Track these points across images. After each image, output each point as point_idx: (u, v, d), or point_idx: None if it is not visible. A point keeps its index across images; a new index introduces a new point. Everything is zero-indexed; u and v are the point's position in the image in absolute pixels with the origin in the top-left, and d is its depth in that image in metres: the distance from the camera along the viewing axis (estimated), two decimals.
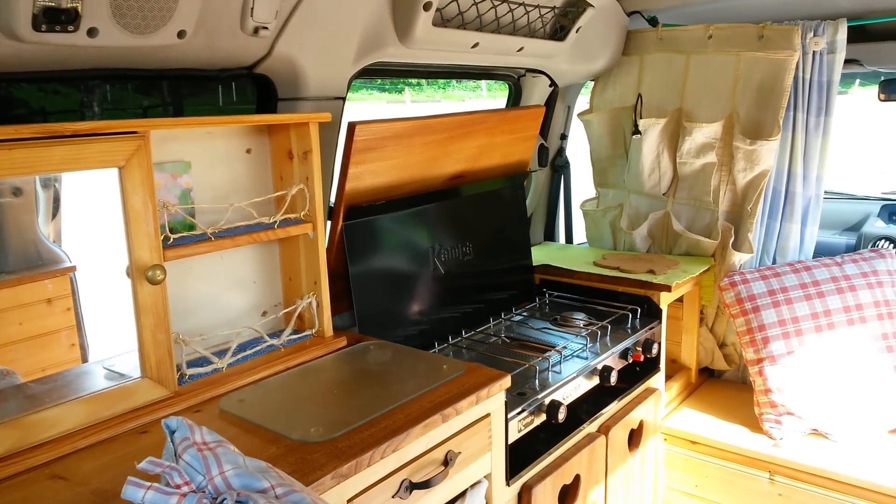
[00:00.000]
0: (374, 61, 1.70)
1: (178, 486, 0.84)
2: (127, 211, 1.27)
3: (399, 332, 1.86)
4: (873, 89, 2.91)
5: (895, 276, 2.20)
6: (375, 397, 1.38)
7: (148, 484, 0.82)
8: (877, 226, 2.98)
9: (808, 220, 2.29)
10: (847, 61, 2.21)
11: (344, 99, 1.71)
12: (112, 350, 1.36)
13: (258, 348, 1.57)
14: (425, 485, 1.33)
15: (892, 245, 2.87)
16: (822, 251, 2.54)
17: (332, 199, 1.74)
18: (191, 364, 1.45)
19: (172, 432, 0.91)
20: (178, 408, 1.35)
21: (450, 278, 2.01)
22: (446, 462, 1.38)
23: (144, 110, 1.60)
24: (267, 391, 1.43)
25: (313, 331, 1.67)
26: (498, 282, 2.18)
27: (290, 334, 1.63)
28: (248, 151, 1.60)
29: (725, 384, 2.48)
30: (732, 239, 2.26)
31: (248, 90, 1.65)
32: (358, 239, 1.76)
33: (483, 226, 2.13)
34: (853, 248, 2.99)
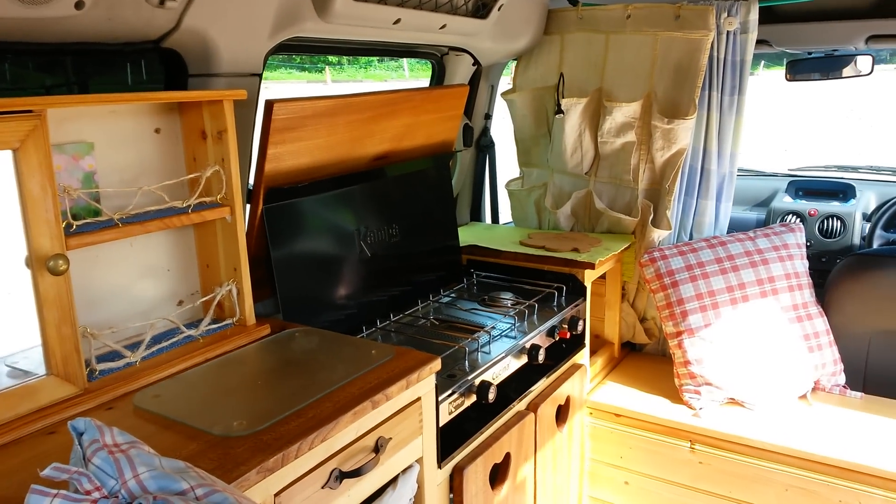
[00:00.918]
0: (292, 36, 1.63)
1: (87, 493, 0.78)
2: (24, 196, 1.17)
3: (325, 318, 1.81)
4: (777, 71, 3.03)
5: (803, 249, 2.31)
6: (302, 386, 1.34)
7: (54, 491, 0.76)
8: (785, 201, 3.13)
9: (722, 196, 2.37)
10: (757, 42, 2.29)
11: (260, 76, 1.63)
12: (15, 346, 1.26)
13: (174, 340, 1.49)
14: (356, 473, 1.30)
15: (799, 219, 3.02)
16: (734, 226, 2.65)
17: (251, 181, 1.66)
18: (101, 359, 1.36)
19: (80, 434, 0.85)
20: (87, 406, 1.26)
21: (376, 261, 1.97)
22: (377, 449, 1.36)
23: (47, 90, 1.48)
24: (185, 385, 1.36)
25: (234, 319, 1.60)
26: (425, 263, 2.16)
27: (210, 324, 1.56)
28: (158, 131, 1.50)
29: (646, 357, 2.55)
30: (651, 216, 2.32)
31: (159, 67, 1.55)
32: (279, 222, 1.69)
33: (409, 207, 2.09)
34: (763, 223, 3.13)
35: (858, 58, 2.89)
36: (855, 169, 3.48)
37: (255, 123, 1.67)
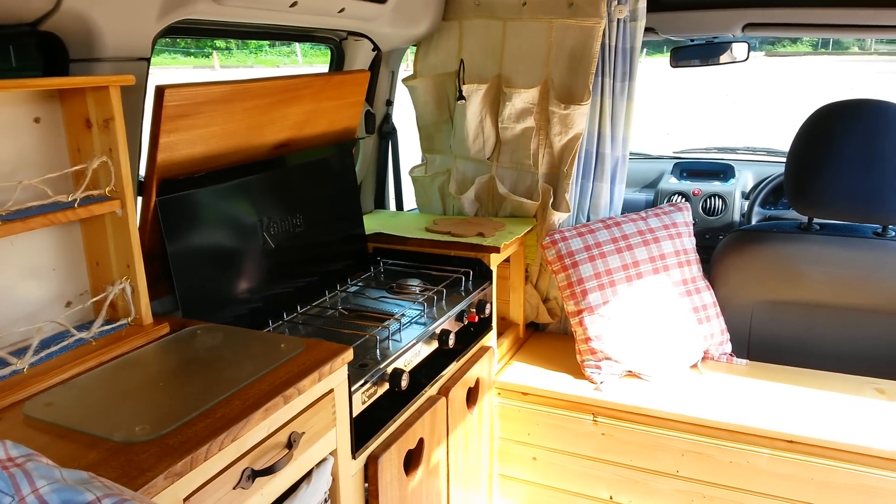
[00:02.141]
0: (183, 18, 1.54)
1: None
2: None
3: (228, 313, 1.75)
4: (657, 58, 3.17)
5: (691, 227, 2.44)
6: (208, 386, 1.29)
7: None
8: (670, 182, 3.29)
9: (616, 179, 2.47)
10: (645, 30, 2.39)
11: (149, 60, 1.54)
12: None
13: (65, 343, 1.39)
14: (269, 471, 1.27)
15: (684, 199, 3.19)
16: (626, 207, 2.76)
17: (142, 172, 1.57)
18: None
19: None
20: None
21: (281, 252, 1.92)
22: (290, 444, 1.33)
23: None
24: (80, 391, 1.28)
25: (129, 319, 1.51)
26: (331, 253, 2.12)
27: (102, 325, 1.47)
28: (37, 121, 1.39)
29: (550, 336, 2.63)
30: (552, 200, 2.39)
31: (36, 52, 1.43)
32: (175, 215, 1.62)
33: (313, 196, 2.05)
34: (652, 204, 3.28)
35: (734, 45, 3.07)
36: (733, 150, 3.71)
37: (145, 111, 1.58)
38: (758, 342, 2.44)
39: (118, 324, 1.50)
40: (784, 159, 3.46)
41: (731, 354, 2.39)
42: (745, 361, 2.35)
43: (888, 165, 2.07)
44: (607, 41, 2.27)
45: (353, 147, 2.33)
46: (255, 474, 1.24)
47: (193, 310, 1.65)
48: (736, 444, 2.01)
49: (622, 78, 2.33)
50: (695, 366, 2.33)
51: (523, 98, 2.33)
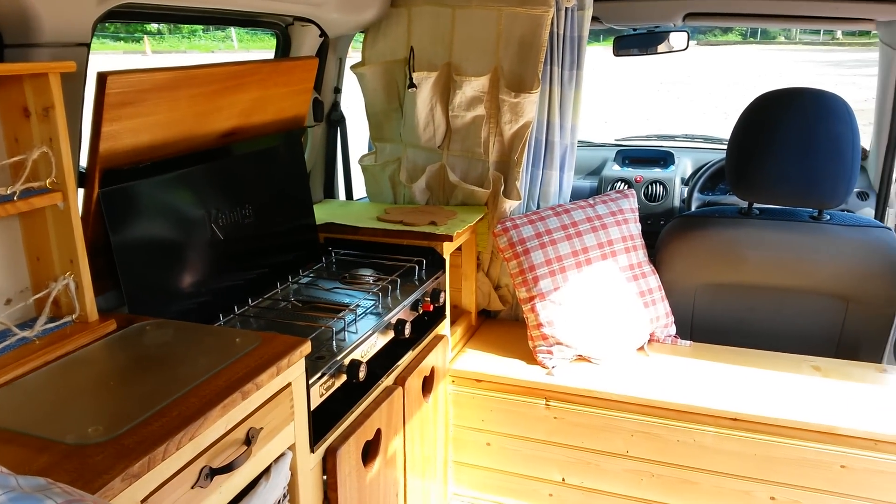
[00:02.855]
0: (124, 2, 1.48)
1: None
2: None
3: (177, 308, 1.69)
4: (595, 47, 3.22)
5: (636, 213, 2.50)
6: (162, 383, 1.25)
7: None
8: (613, 169, 3.35)
9: (565, 166, 2.50)
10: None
11: (88, 45, 1.47)
12: None
13: (6, 343, 1.33)
14: (227, 468, 1.24)
15: (627, 186, 3.26)
16: (572, 195, 2.80)
17: (84, 163, 1.51)
18: None
19: None
20: None
21: (230, 244, 1.87)
22: (248, 441, 1.30)
23: None
24: (25, 392, 1.22)
25: (74, 316, 1.45)
26: (282, 244, 2.08)
27: (46, 323, 1.41)
28: None
29: (502, 323, 2.66)
30: (503, 187, 2.40)
31: None
32: (120, 207, 1.55)
33: (262, 186, 2.00)
34: (596, 191, 3.34)
35: (672, 34, 3.14)
36: (672, 137, 3.80)
37: (85, 99, 1.51)
38: (701, 324, 2.52)
39: (62, 321, 1.44)
40: (720, 146, 3.58)
41: (675, 336, 2.47)
42: (689, 343, 2.43)
43: (823, 152, 2.16)
44: (555, 30, 2.29)
45: (302, 135, 2.29)
46: (213, 472, 1.21)
47: (140, 305, 1.60)
48: (683, 424, 2.07)
49: (570, 66, 2.35)
50: (641, 348, 2.39)
51: (473, 86, 2.33)
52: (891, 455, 1.89)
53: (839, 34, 25.19)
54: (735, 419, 2.02)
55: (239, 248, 1.91)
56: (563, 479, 2.26)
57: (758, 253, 2.34)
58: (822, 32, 26.56)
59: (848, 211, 2.82)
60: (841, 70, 17.20)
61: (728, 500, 2.07)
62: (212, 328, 1.52)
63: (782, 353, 2.34)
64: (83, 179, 1.52)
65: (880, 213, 2.92)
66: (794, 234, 2.31)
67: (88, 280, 1.45)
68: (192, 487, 1.18)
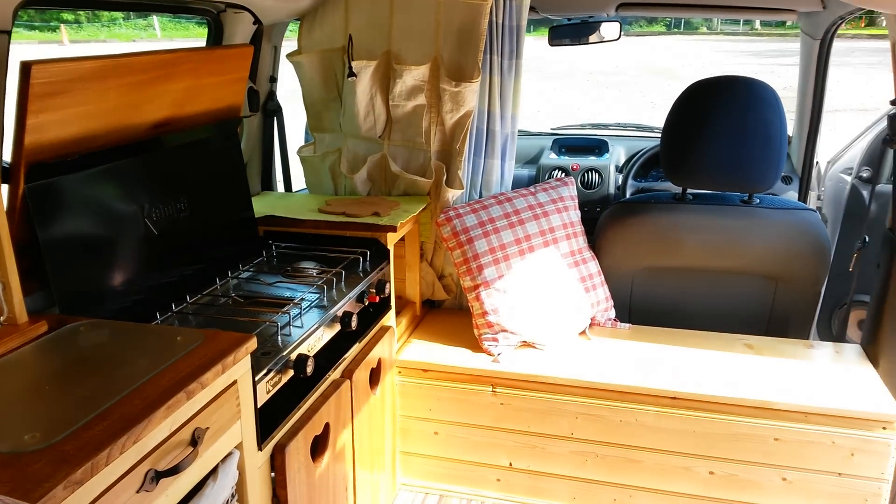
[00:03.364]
0: None
1: None
2: None
3: (111, 307, 1.63)
4: (529, 37, 3.25)
5: (576, 200, 2.54)
6: (102, 386, 1.19)
7: None
8: (551, 158, 3.40)
9: (506, 155, 2.52)
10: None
11: (9, 33, 1.39)
12: None
13: None
14: (173, 471, 1.20)
15: (564, 174, 3.31)
16: (512, 184, 2.83)
17: (8, 157, 1.42)
18: None
19: None
20: None
21: (165, 239, 1.81)
22: (194, 441, 1.27)
23: None
24: None
25: (2, 318, 1.38)
26: (220, 238, 2.03)
27: None
28: None
29: (446, 312, 2.66)
30: (445, 177, 2.40)
31: None
32: (47, 203, 1.48)
33: (197, 178, 1.94)
34: (534, 179, 3.38)
35: (603, 24, 3.20)
36: (606, 126, 3.88)
37: (7, 90, 1.43)
38: (639, 307, 2.59)
39: None
40: (652, 134, 3.68)
41: (615, 320, 2.53)
42: (628, 326, 2.50)
43: (754, 138, 2.25)
44: (495, 19, 2.29)
45: (238, 126, 2.22)
46: (158, 476, 1.17)
47: (72, 305, 1.53)
48: (625, 404, 2.13)
49: (510, 56, 2.37)
50: (583, 333, 2.44)
51: (413, 75, 2.31)
52: (820, 426, 1.99)
53: (758, 24, 26.26)
54: (674, 398, 2.08)
55: (175, 244, 1.84)
56: (511, 464, 2.29)
57: (692, 237, 2.41)
58: (741, 23, 27.61)
59: (773, 195, 2.95)
60: (761, 59, 17.93)
61: (670, 476, 2.14)
62: (150, 327, 1.47)
63: (717, 333, 2.43)
64: (7, 175, 1.43)
65: (803, 196, 3.07)
66: (726, 218, 2.39)
67: (16, 280, 1.38)
68: (138, 492, 1.14)
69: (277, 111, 2.57)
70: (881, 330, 2.13)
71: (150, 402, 1.16)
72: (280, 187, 2.76)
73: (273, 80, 2.52)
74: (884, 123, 2.79)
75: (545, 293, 2.36)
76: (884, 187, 2.79)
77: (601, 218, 2.59)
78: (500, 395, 2.24)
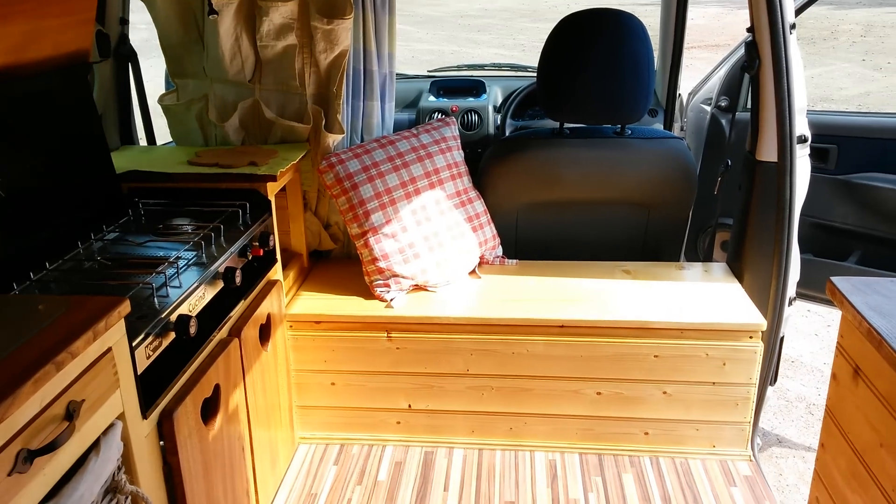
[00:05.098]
0: None
1: None
2: None
3: None
4: None
5: (458, 140, 2.53)
6: None
7: None
8: (430, 100, 3.36)
9: (385, 97, 2.45)
10: None
11: None
12: None
13: None
14: (48, 448, 1.10)
15: (444, 116, 3.29)
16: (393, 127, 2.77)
17: None
18: None
19: None
20: None
21: (15, 202, 1.62)
22: (70, 415, 1.17)
23: None
24: None
25: None
26: (78, 198, 1.85)
27: None
28: None
29: (335, 262, 2.61)
30: (324, 122, 2.30)
31: None
32: None
33: (45, 133, 1.75)
34: (415, 123, 3.34)
35: None
36: (482, 67, 3.88)
37: None
38: (524, 242, 2.65)
39: None
40: (526, 73, 3.72)
41: (502, 257, 2.57)
42: (515, 261, 2.55)
43: (624, 70, 2.31)
44: None
45: (87, 73, 2.02)
46: (32, 455, 1.08)
47: None
48: (516, 337, 2.19)
49: None
50: (473, 272, 2.47)
51: (281, 12, 2.18)
52: (694, 340, 2.14)
53: None
54: (562, 326, 2.16)
55: (27, 207, 1.66)
56: (409, 406, 2.31)
57: (570, 170, 2.48)
58: None
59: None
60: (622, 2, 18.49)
61: (560, 400, 2.24)
62: (7, 297, 1.33)
63: (597, 262, 2.53)
64: None
65: (668, 128, 3.22)
66: (601, 150, 2.47)
67: None
68: (10, 474, 1.04)
69: (132, 56, 2.36)
70: (744, 247, 2.30)
71: (15, 377, 1.06)
72: (143, 141, 2.56)
73: (124, 21, 2.30)
74: (738, 54, 2.96)
75: (434, 235, 2.35)
76: (742, 114, 2.97)
77: (484, 157, 2.60)
78: (395, 339, 2.24)
